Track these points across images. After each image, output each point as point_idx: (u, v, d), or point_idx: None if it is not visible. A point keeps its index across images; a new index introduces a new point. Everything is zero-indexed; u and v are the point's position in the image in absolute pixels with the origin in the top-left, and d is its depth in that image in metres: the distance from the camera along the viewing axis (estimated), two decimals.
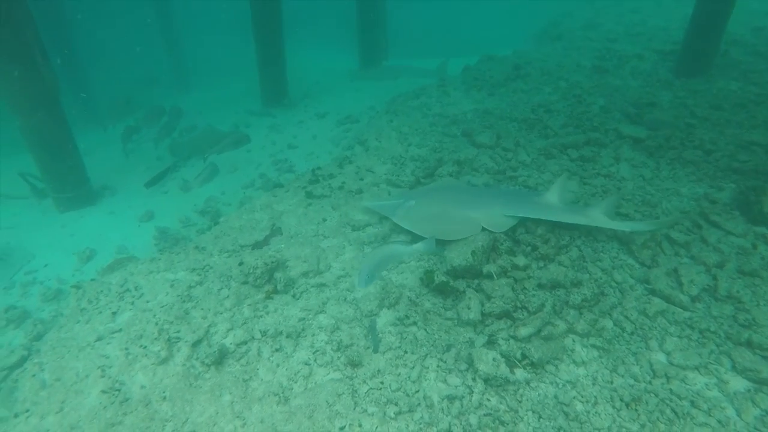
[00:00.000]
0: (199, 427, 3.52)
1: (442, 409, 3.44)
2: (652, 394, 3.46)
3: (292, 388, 3.78)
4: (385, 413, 3.42)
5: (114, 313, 4.49)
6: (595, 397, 3.46)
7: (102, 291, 4.73)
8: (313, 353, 4.05)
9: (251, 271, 4.53)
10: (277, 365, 3.97)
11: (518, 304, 4.18)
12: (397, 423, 3.36)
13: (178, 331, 4.18)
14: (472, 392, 3.54)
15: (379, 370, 3.88)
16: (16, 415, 3.76)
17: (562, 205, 4.92)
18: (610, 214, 4.75)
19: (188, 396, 3.70)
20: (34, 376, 4.02)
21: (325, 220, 5.49)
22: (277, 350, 4.09)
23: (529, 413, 3.38)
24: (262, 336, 4.19)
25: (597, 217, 4.71)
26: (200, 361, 3.94)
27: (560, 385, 3.57)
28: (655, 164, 5.97)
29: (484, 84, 9.27)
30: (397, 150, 6.90)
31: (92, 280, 4.98)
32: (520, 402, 3.46)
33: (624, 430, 3.26)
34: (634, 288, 4.26)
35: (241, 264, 4.63)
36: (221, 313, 4.38)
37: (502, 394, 3.52)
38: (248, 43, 10.43)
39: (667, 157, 6.03)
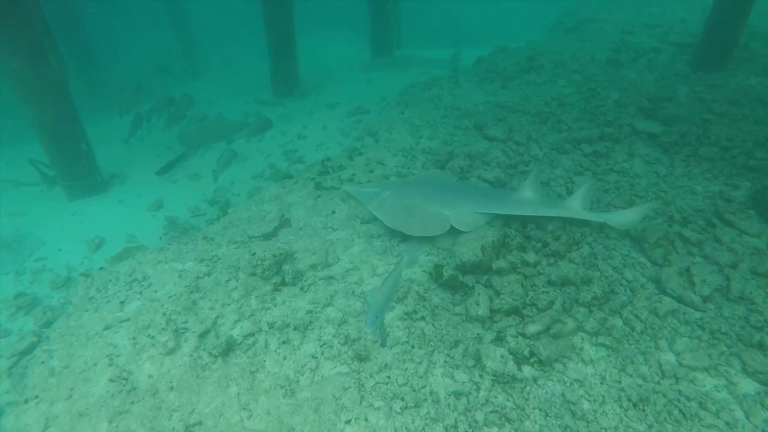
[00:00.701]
0: (205, 417, 3.53)
1: (449, 405, 3.43)
2: (661, 395, 3.43)
3: (298, 381, 3.79)
4: (391, 408, 3.41)
5: (122, 303, 4.50)
6: (603, 396, 3.43)
7: (110, 280, 4.74)
8: (321, 346, 4.05)
9: (259, 262, 4.52)
10: (284, 358, 3.97)
11: (527, 301, 4.15)
12: (403, 418, 3.35)
13: (186, 322, 4.18)
14: (479, 389, 3.52)
15: (386, 365, 3.87)
16: (26, 401, 3.79)
17: (538, 198, 4.88)
18: (586, 204, 4.75)
19: (195, 386, 3.71)
20: (43, 363, 4.04)
21: (334, 212, 5.47)
22: (284, 343, 4.09)
23: (536, 411, 3.35)
24: (270, 328, 4.19)
25: (574, 208, 4.69)
26: (207, 352, 3.95)
27: (568, 384, 3.54)
28: (670, 161, 5.88)
29: (496, 76, 9.16)
30: (408, 142, 6.84)
31: (101, 268, 4.99)
32: (527, 399, 3.44)
33: (631, 430, 3.23)
34: (645, 287, 4.21)
35: (253, 255, 4.61)
36: (229, 305, 4.38)
37: (509, 391, 3.50)
38: (259, 32, 10.38)
39: (682, 154, 5.93)
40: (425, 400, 3.48)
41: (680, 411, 3.31)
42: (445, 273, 4.41)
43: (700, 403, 3.37)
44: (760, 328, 3.79)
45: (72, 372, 3.93)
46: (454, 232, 4.93)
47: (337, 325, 4.20)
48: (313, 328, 4.20)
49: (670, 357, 3.70)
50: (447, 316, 4.19)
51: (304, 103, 10.39)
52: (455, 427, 3.27)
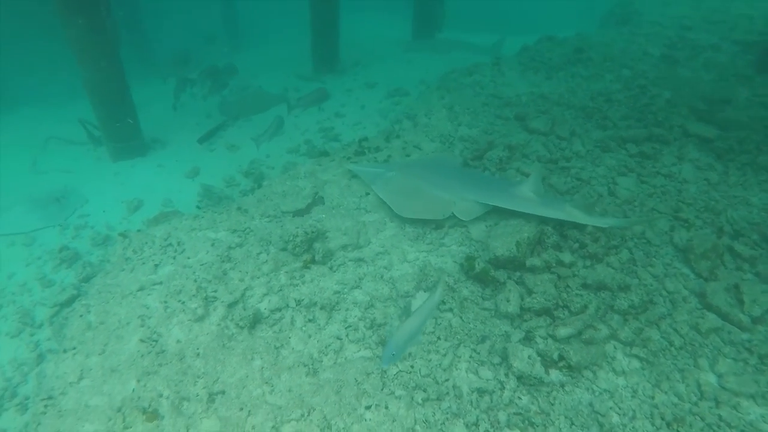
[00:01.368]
0: (228, 387, 3.59)
1: (471, 402, 3.39)
2: (698, 417, 3.28)
3: (321, 361, 3.80)
4: (412, 398, 3.40)
5: (156, 266, 4.60)
6: (634, 410, 3.32)
7: (146, 243, 4.84)
8: (346, 328, 4.05)
9: (291, 238, 4.53)
10: (309, 336, 3.99)
11: (560, 303, 4.04)
12: (424, 409, 3.33)
13: (216, 291, 4.25)
14: (504, 388, 3.46)
15: (410, 353, 3.84)
16: (65, 351, 3.94)
17: (538, 197, 4.77)
18: (585, 208, 4.61)
19: (221, 356, 3.77)
20: (81, 316, 4.18)
21: (368, 193, 5.43)
22: (310, 321, 4.11)
23: (561, 418, 3.28)
24: (297, 305, 4.21)
25: (574, 213, 4.57)
26: (235, 323, 4.00)
27: (597, 393, 3.44)
28: (724, 168, 5.59)
29: (541, 66, 8.86)
30: (446, 128, 6.72)
31: (138, 230, 5.11)
32: (552, 405, 3.36)
33: None
34: (688, 300, 4.04)
35: (285, 230, 4.64)
36: (258, 278, 4.42)
37: (535, 394, 3.43)
38: (303, 5, 10.29)
39: (738, 162, 5.63)
40: (447, 393, 3.44)
41: None
42: (477, 266, 4.32)
43: None
44: None
45: (107, 328, 4.05)
46: (488, 223, 4.86)
47: (364, 308, 4.20)
48: (340, 309, 4.21)
49: (711, 378, 3.53)
50: (475, 310, 4.13)
51: (343, 80, 10.31)
52: (476, 425, 3.24)
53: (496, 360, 3.67)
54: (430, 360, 3.69)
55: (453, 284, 4.36)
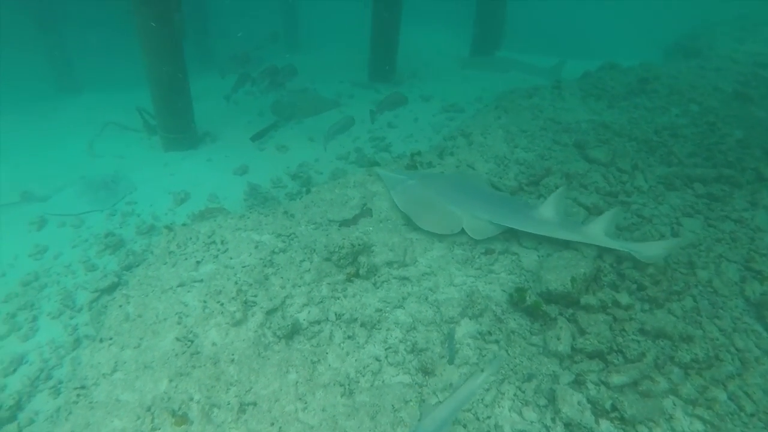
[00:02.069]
0: (261, 399, 3.47)
1: None
2: None
3: (358, 382, 3.65)
4: None
5: (198, 263, 4.55)
6: None
7: (191, 238, 4.81)
8: (385, 349, 3.90)
9: (337, 249, 4.41)
10: (347, 354, 3.85)
11: (614, 347, 3.78)
12: None
13: (255, 296, 4.15)
14: None
15: (451, 384, 3.66)
16: (101, 340, 3.91)
17: (558, 219, 4.58)
18: (610, 231, 4.41)
19: (255, 365, 3.66)
20: (120, 306, 4.15)
21: None
22: (349, 337, 3.97)
23: None
24: (337, 319, 4.08)
25: (595, 234, 4.37)
26: (272, 332, 3.89)
27: None
28: None
29: (603, 94, 8.54)
30: (501, 149, 6.51)
31: (183, 225, 5.09)
32: None
33: None
34: (761, 361, 3.69)
35: (330, 239, 4.53)
36: (299, 286, 4.31)
37: None
38: (364, 10, 10.26)
39: None
40: None
41: None
42: (528, 299, 4.10)
43: None
44: None
45: (144, 322, 4.01)
46: (540, 253, 4.67)
47: (406, 330, 4.03)
48: (380, 329, 4.05)
49: None
50: (522, 345, 3.91)
51: (398, 91, 10.21)
52: None
53: (542, 402, 3.44)
54: None
55: (500, 314, 4.16)
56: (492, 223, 4.76)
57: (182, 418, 3.35)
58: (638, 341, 3.77)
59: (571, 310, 4.09)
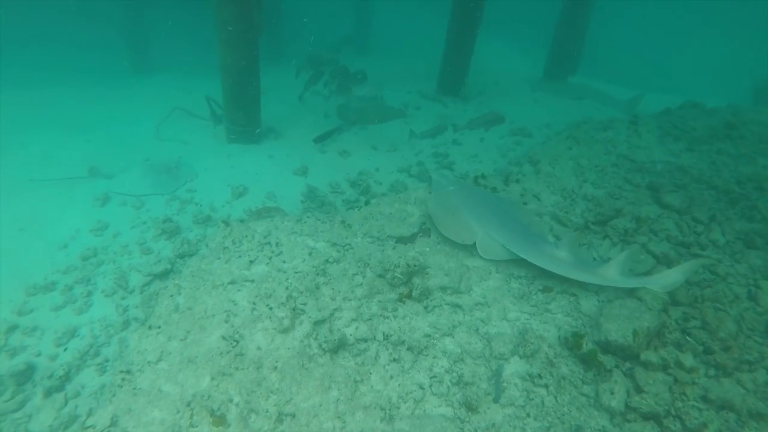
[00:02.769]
0: (300, 412, 3.38)
1: None
2: None
3: (399, 408, 3.53)
4: None
5: (251, 262, 4.52)
6: None
7: (246, 236, 4.80)
8: (430, 378, 3.76)
9: (392, 267, 4.29)
10: (391, 377, 3.73)
11: (672, 411, 3.50)
12: None
13: (305, 304, 4.08)
14: None
15: (494, 424, 3.49)
16: (150, 327, 3.94)
17: (572, 259, 4.47)
18: (625, 271, 4.24)
19: (298, 376, 3.58)
20: (171, 296, 4.17)
21: None
22: (395, 360, 3.85)
23: None
24: (384, 339, 3.97)
25: (611, 276, 4.28)
26: (318, 344, 3.81)
27: None
28: None
29: (683, 135, 8.09)
30: (570, 182, 6.24)
31: (240, 221, 5.09)
32: None
33: None
34: None
35: (386, 256, 4.42)
36: (350, 300, 4.21)
37: None
38: (439, 20, 10.15)
39: None
40: None
41: None
42: (584, 346, 3.88)
43: None
44: None
45: (192, 315, 4.00)
46: (601, 298, 4.44)
47: (453, 360, 3.89)
48: (427, 355, 3.92)
49: None
50: (573, 393, 3.68)
51: (466, 107, 10.04)
52: None
53: None
54: None
55: (553, 357, 3.94)
56: (504, 247, 4.68)
57: (220, 419, 3.31)
58: (699, 409, 3.49)
59: (628, 364, 3.85)
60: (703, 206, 5.91)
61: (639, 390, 3.62)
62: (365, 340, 3.93)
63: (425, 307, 4.29)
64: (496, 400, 3.65)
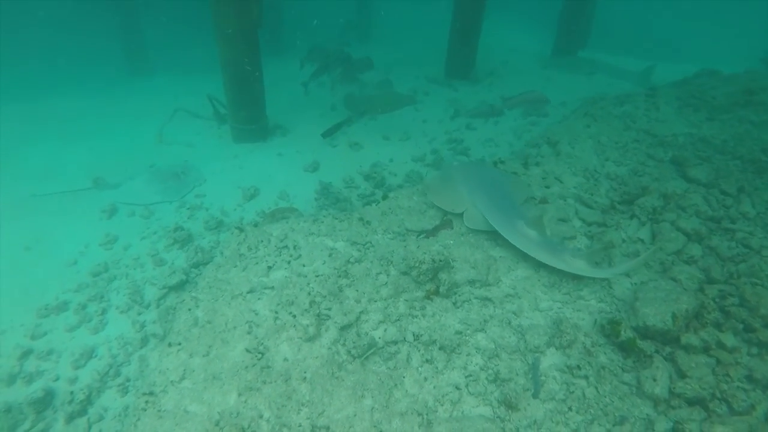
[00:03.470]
0: (334, 424, 3.21)
1: None
2: None
3: (437, 411, 3.37)
4: None
5: (269, 268, 4.33)
6: None
7: (262, 241, 4.61)
8: (466, 377, 3.59)
9: (417, 264, 4.10)
10: (425, 379, 3.56)
11: (717, 394, 3.36)
12: None
13: (329, 309, 3.89)
14: None
15: (535, 421, 3.32)
16: (170, 345, 3.76)
17: (540, 238, 4.37)
18: (592, 263, 4.25)
19: (329, 386, 3.40)
20: (189, 310, 4.00)
21: None
22: (427, 361, 3.68)
23: None
24: (415, 340, 3.79)
25: (578, 266, 4.20)
26: (347, 350, 3.64)
27: None
28: None
29: (702, 105, 7.79)
30: (591, 162, 6.00)
31: (254, 225, 4.91)
32: None
33: None
34: None
35: (410, 252, 4.22)
36: (375, 301, 4.02)
37: None
38: (444, 1, 9.85)
39: None
40: None
41: None
42: (623, 333, 3.70)
43: None
44: None
45: (213, 329, 3.83)
46: (633, 281, 4.31)
47: (488, 357, 3.71)
48: (460, 353, 3.75)
49: None
50: (614, 383, 3.52)
51: (476, 89, 9.75)
52: None
53: None
54: None
55: (590, 347, 3.77)
56: (487, 221, 4.62)
57: None
58: (746, 390, 3.35)
59: (668, 348, 3.69)
60: (729, 178, 5.66)
61: (682, 375, 3.49)
62: (395, 342, 3.75)
63: (454, 303, 4.11)
64: (535, 396, 3.50)
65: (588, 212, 5.16)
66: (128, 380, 4.16)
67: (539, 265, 4.49)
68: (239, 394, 3.38)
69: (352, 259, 4.36)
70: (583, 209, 5.21)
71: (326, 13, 14.33)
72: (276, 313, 3.86)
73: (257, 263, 4.39)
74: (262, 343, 3.66)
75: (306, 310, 3.83)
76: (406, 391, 3.47)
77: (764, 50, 12.36)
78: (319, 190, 6.41)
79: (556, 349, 3.79)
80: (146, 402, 3.39)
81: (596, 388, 3.49)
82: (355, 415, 3.27)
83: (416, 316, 3.95)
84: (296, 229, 4.75)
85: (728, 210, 5.22)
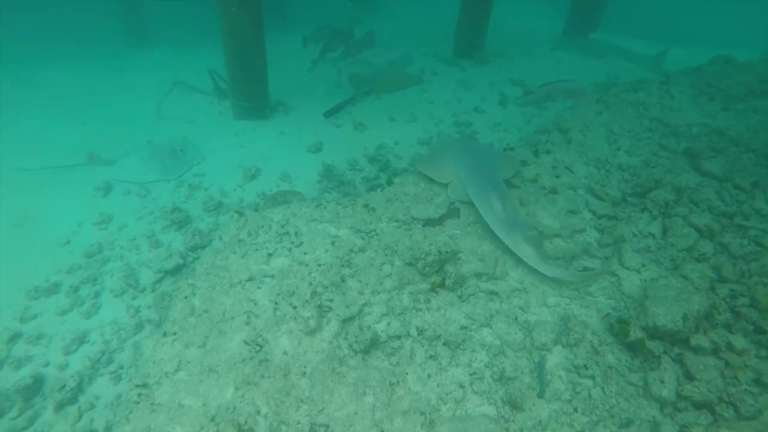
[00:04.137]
0: (334, 422, 3.11)
1: None
2: None
3: (440, 410, 3.28)
4: None
5: (270, 255, 4.18)
6: None
7: (263, 226, 4.44)
8: (470, 375, 3.50)
9: (422, 256, 3.95)
10: (429, 376, 3.47)
11: (725, 398, 3.30)
12: None
13: (331, 300, 3.76)
14: None
15: (540, 422, 3.24)
16: (165, 334, 3.62)
17: (503, 213, 4.33)
18: (543, 256, 4.15)
19: (329, 382, 3.29)
20: (186, 298, 3.86)
21: None
22: (431, 357, 3.58)
23: None
24: (419, 335, 3.68)
25: (525, 250, 4.12)
26: (348, 344, 3.52)
27: None
28: None
29: (717, 93, 7.55)
30: (603, 151, 5.81)
31: (255, 210, 4.73)
32: None
33: None
34: None
35: (416, 243, 4.08)
36: (379, 293, 3.89)
37: None
38: None
39: None
40: None
41: None
42: (632, 334, 3.62)
43: None
44: None
45: (210, 318, 3.69)
46: (643, 276, 4.24)
47: (493, 354, 3.62)
48: (465, 350, 3.65)
49: None
50: (620, 383, 3.45)
51: (484, 70, 9.44)
52: None
53: None
54: None
55: (597, 345, 3.69)
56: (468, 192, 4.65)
57: None
58: (753, 394, 3.29)
59: (677, 349, 3.61)
60: (744, 172, 5.50)
61: (690, 377, 3.42)
62: (399, 337, 3.64)
63: (460, 297, 3.99)
64: (540, 395, 3.42)
65: (599, 204, 5.00)
66: (121, 368, 4.03)
67: (548, 258, 4.36)
68: (236, 388, 3.26)
69: (355, 248, 4.20)
70: (594, 201, 5.05)
71: None
72: (276, 303, 3.72)
73: (257, 250, 4.23)
74: (261, 335, 3.53)
75: (307, 301, 3.70)
76: (409, 388, 3.37)
77: None
78: (322, 172, 6.21)
79: (563, 347, 3.71)
80: (139, 395, 3.28)
81: (602, 388, 3.42)
82: (356, 414, 3.17)
83: (421, 310, 3.83)
84: (298, 215, 4.59)
85: (741, 206, 5.07)
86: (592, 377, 3.48)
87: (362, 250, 4.22)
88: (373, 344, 3.54)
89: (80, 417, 3.70)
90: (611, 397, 3.36)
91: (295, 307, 3.66)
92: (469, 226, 4.52)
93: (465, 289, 4.03)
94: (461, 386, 3.42)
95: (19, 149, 6.59)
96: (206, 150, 6.78)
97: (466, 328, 3.74)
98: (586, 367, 3.52)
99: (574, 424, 3.25)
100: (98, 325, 4.37)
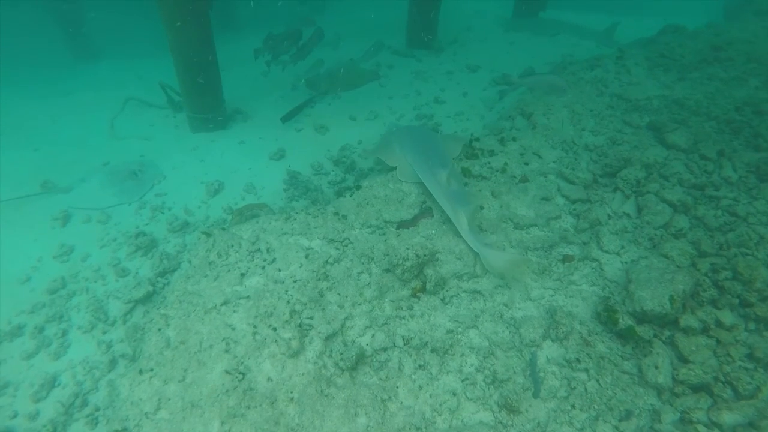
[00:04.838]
0: None
1: None
2: None
3: (435, 422, 3.22)
4: None
5: (243, 275, 4.03)
6: None
7: (232, 246, 4.28)
8: (462, 381, 3.46)
9: (400, 262, 3.87)
10: (420, 387, 3.40)
11: (721, 377, 3.30)
12: None
13: (311, 318, 3.64)
14: None
15: (539, 423, 3.23)
16: (141, 372, 3.44)
17: (447, 184, 4.41)
18: (473, 226, 4.25)
19: (319, 406, 3.19)
20: (160, 330, 3.67)
21: (482, 208, 4.66)
22: (420, 367, 3.51)
23: None
24: (405, 344, 3.61)
25: (462, 221, 4.16)
26: (334, 362, 3.42)
27: None
28: None
29: (672, 64, 7.65)
30: (568, 133, 5.80)
31: (222, 229, 4.55)
32: None
33: None
34: None
35: (392, 249, 3.98)
36: (360, 305, 3.80)
37: None
38: None
39: None
40: None
41: None
42: (620, 321, 3.60)
43: None
44: None
45: (187, 349, 3.53)
46: (623, 258, 4.25)
47: (482, 356, 3.58)
48: (454, 354, 3.60)
49: None
50: (615, 373, 3.43)
51: (441, 59, 9.33)
52: None
53: None
54: None
55: (587, 336, 3.68)
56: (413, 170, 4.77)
57: None
58: (749, 370, 3.29)
59: (667, 332, 3.60)
60: (708, 141, 5.57)
61: (684, 360, 3.41)
62: (384, 350, 3.57)
63: (442, 300, 3.93)
64: (536, 395, 3.39)
65: (571, 188, 4.99)
66: (97, 409, 3.81)
67: (528, 250, 4.36)
68: (222, 422, 3.13)
69: (330, 259, 4.08)
70: (566, 185, 5.04)
71: None
72: (254, 327, 3.58)
73: (229, 271, 4.07)
74: (243, 363, 3.40)
75: (286, 321, 3.57)
76: (401, 402, 3.30)
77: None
78: (287, 179, 6.03)
79: (553, 341, 3.68)
80: None
81: (597, 380, 3.41)
82: None
83: (404, 318, 3.76)
84: (268, 229, 4.43)
85: (710, 176, 5.13)
86: (586, 370, 3.46)
87: (338, 260, 4.10)
88: (360, 360, 3.45)
89: None
90: (607, 389, 3.35)
91: (275, 329, 3.53)
92: (444, 224, 4.44)
93: (447, 291, 3.98)
94: (454, 394, 3.37)
95: None
96: (166, 167, 6.50)
97: (452, 331, 3.69)
98: (578, 361, 3.51)
99: (574, 422, 3.22)
100: (68, 366, 4.13)
